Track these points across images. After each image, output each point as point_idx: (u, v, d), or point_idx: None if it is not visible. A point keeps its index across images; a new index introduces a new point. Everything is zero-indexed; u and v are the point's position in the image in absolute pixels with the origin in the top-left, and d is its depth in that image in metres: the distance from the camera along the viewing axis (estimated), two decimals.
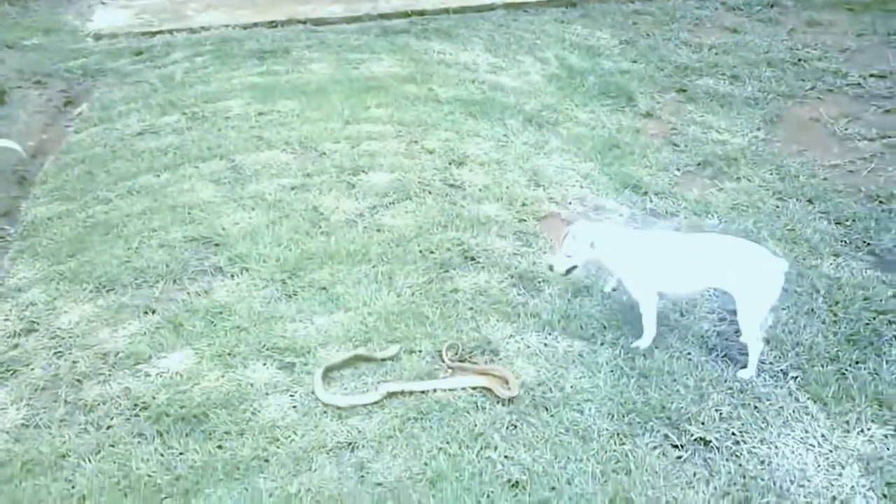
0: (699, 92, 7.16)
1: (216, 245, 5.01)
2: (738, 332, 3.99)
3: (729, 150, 6.13)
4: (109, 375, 4.03)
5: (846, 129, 6.45)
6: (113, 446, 3.61)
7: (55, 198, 5.77)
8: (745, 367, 3.97)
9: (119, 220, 5.34)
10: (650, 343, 4.10)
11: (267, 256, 4.84)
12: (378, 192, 5.50)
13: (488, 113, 6.65)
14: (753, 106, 6.88)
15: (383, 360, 4.04)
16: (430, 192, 5.49)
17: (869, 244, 4.98)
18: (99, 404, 3.85)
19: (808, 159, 6.02)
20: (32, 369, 4.11)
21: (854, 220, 5.20)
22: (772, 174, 5.79)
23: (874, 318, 4.31)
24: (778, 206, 5.39)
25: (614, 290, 4.44)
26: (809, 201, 5.43)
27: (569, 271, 4.15)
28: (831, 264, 4.76)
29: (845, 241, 5.00)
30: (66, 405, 3.87)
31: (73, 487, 3.41)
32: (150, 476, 3.44)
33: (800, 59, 7.73)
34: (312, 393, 3.83)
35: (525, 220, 5.20)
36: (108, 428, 3.72)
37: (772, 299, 3.84)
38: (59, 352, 4.21)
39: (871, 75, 7.37)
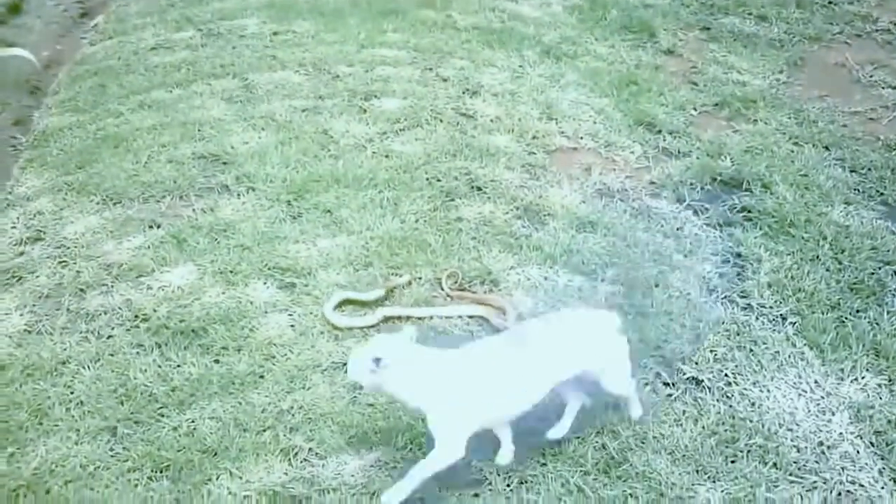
0: (723, 31, 7.00)
1: (224, 163, 5.00)
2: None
3: (748, 92, 6.01)
4: (112, 286, 4.07)
5: (871, 76, 6.30)
6: (112, 355, 3.66)
7: (67, 109, 5.77)
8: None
9: (129, 133, 5.33)
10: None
11: (274, 177, 4.82)
12: (389, 118, 5.45)
13: (506, 43, 6.53)
14: (778, 48, 6.72)
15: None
16: (441, 121, 5.43)
17: (882, 194, 4.91)
18: (100, 314, 3.90)
19: (828, 105, 5.90)
20: (37, 277, 4.16)
21: (870, 169, 5.12)
22: (790, 118, 5.68)
23: (879, 268, 4.27)
24: (793, 151, 5.30)
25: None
26: (826, 147, 5.34)
27: None
28: (841, 212, 4.69)
29: (858, 190, 4.93)
30: (68, 313, 3.92)
31: (71, 393, 3.48)
32: (146, 386, 3.50)
33: (830, 2, 7.49)
34: (312, 314, 3.86)
35: (535, 153, 5.14)
36: (109, 337, 3.77)
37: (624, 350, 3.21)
38: (64, 261, 4.26)
39: None
